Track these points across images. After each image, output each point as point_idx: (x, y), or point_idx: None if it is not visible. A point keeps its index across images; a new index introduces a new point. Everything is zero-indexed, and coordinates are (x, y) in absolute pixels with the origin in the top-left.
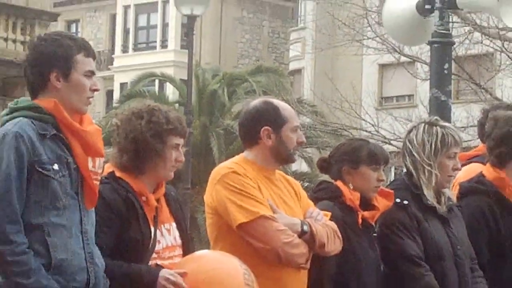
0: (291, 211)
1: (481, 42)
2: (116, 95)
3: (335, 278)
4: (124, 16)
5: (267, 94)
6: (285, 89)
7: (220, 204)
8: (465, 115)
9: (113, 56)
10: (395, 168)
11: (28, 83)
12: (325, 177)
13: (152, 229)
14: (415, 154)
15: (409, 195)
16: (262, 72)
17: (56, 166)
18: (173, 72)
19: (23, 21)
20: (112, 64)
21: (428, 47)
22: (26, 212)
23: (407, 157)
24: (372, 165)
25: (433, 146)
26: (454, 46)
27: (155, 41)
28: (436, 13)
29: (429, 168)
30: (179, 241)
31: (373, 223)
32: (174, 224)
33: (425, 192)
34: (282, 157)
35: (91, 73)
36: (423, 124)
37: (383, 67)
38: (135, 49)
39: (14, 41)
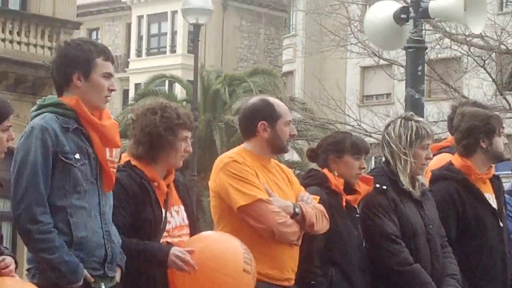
0: (284, 195)
1: (450, 47)
2: (131, 94)
3: (323, 253)
4: (138, 25)
5: (263, 93)
6: (278, 89)
7: (223, 188)
8: (436, 111)
9: (128, 60)
10: (375, 158)
11: (54, 82)
12: (314, 165)
13: (163, 211)
14: (393, 145)
15: (388, 181)
16: (259, 74)
17: (77, 156)
18: (181, 73)
19: (50, 29)
20: (128, 67)
21: (404, 51)
22: (51, 196)
23: (386, 148)
24: (355, 155)
25: (408, 138)
26: (427, 50)
27: (165, 47)
28: (411, 21)
29: (405, 157)
30: (186, 221)
31: (355, 206)
32: (182, 207)
33: (401, 178)
34: (276, 147)
35: (109, 75)
36: (399, 119)
37: (364, 69)
38: (148, 53)
39: (43, 46)
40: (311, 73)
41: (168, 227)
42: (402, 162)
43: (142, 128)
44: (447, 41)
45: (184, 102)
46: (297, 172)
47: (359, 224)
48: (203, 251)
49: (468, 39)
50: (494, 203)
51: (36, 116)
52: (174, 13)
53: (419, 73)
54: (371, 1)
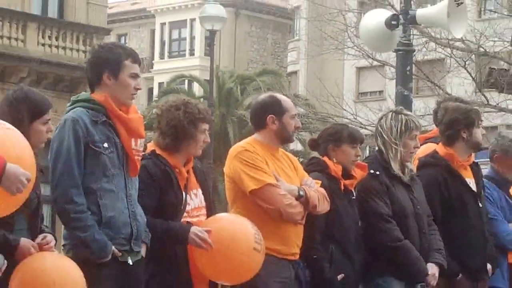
0: (290, 180)
1: (435, 50)
2: (155, 91)
3: (323, 231)
4: (161, 31)
5: (270, 90)
6: (283, 87)
7: (236, 174)
8: (423, 106)
9: (153, 61)
10: (369, 147)
11: (87, 80)
12: (315, 154)
13: (184, 194)
14: (385, 136)
15: (380, 167)
16: (267, 74)
17: (106, 145)
18: (199, 74)
19: (84, 35)
20: (152, 68)
21: (394, 53)
22: (83, 180)
23: (379, 138)
24: (351, 144)
25: (398, 129)
26: (414, 53)
27: (185, 50)
28: (401, 27)
29: (396, 147)
30: (204, 203)
31: (352, 189)
32: (200, 190)
33: (392, 165)
34: (283, 138)
35: (136, 75)
36: (391, 113)
37: (359, 69)
38: (170, 56)
39: (78, 50)
40: (313, 73)
41: (187, 208)
42: (393, 151)
43: (168, 122)
44: (432, 44)
45: (202, 99)
46: (301, 160)
47: (355, 205)
48: (218, 231)
49: (450, 42)
50: (474, 187)
51: (69, 110)
52: (192, 20)
53: (408, 72)
54: (366, 10)
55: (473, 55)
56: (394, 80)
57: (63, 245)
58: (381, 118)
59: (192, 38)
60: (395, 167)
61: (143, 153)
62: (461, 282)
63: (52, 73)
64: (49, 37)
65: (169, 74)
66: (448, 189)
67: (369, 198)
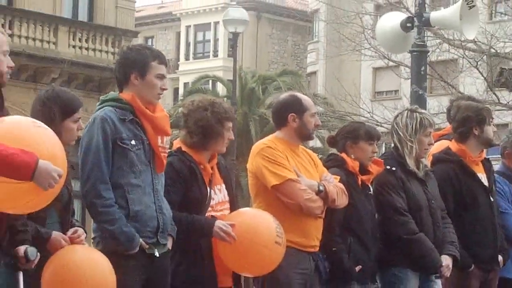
0: (310, 175)
1: (448, 51)
2: (181, 91)
3: (342, 224)
4: (186, 33)
5: (290, 90)
6: (303, 87)
7: (258, 170)
8: (436, 105)
9: (178, 62)
10: (385, 144)
11: (116, 80)
12: (333, 150)
13: (208, 189)
14: (400, 133)
15: (396, 163)
16: (287, 74)
17: (133, 142)
18: (222, 74)
19: (113, 37)
20: (177, 69)
21: (409, 54)
22: (112, 176)
23: (394, 135)
24: (368, 141)
25: (413, 127)
26: (428, 53)
27: (209, 52)
28: (415, 29)
29: (411, 144)
30: (227, 198)
31: (369, 184)
32: (223, 185)
33: (408, 161)
34: (304, 135)
35: (162, 76)
36: (406, 111)
37: (376, 69)
38: (195, 57)
39: (107, 52)
40: (331, 73)
41: (212, 203)
42: (408, 147)
43: (196, 121)
44: (445, 45)
45: (225, 98)
46: (320, 156)
47: (372, 199)
48: (241, 225)
49: (463, 44)
50: (485, 182)
51: (98, 109)
52: (216, 23)
53: (422, 72)
54: (382, 12)
55: (485, 56)
56: (409, 80)
57: (93, 238)
58: (397, 116)
59: (216, 40)
60: (410, 163)
61: (169, 150)
62: (473, 273)
63: (82, 73)
64: (80, 40)
65: (194, 75)
66: (461, 184)
67: (385, 193)
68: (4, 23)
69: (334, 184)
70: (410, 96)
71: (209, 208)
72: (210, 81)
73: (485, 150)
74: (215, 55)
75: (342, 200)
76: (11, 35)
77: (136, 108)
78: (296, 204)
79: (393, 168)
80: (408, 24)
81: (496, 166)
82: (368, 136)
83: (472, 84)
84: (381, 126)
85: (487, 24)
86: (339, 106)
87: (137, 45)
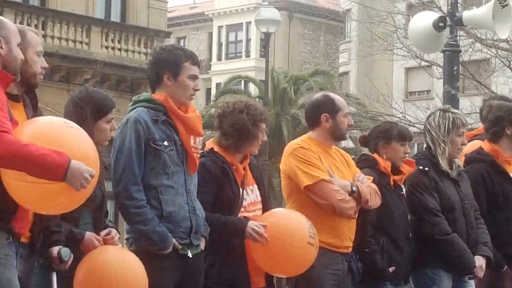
0: (343, 175)
1: (481, 50)
2: (213, 92)
3: (375, 225)
4: (219, 33)
5: (322, 90)
6: (334, 87)
7: (291, 170)
8: (469, 105)
9: (210, 63)
10: (418, 145)
11: (149, 80)
12: (365, 150)
13: (240, 190)
14: (433, 133)
15: (429, 163)
16: (319, 74)
17: (166, 143)
18: (254, 74)
19: (145, 38)
20: (210, 69)
21: (442, 54)
22: (145, 177)
23: (427, 135)
24: (400, 141)
25: (446, 127)
26: (461, 53)
27: (241, 52)
28: (448, 29)
29: (443, 144)
30: (259, 198)
31: (401, 184)
32: (255, 186)
33: (441, 161)
34: (336, 136)
35: (195, 77)
36: (438, 111)
37: (408, 69)
38: (227, 58)
39: (139, 52)
40: (363, 73)
41: (244, 203)
42: (441, 147)
43: (231, 124)
44: (478, 45)
45: (257, 99)
46: (352, 157)
47: (405, 199)
48: (274, 226)
49: (496, 43)
50: None
51: (131, 110)
52: (248, 23)
53: (455, 72)
54: (414, 12)
55: None
56: (442, 80)
57: (126, 239)
58: (429, 116)
59: (248, 41)
60: (443, 163)
61: (201, 150)
62: (506, 273)
63: (115, 74)
64: (112, 40)
65: (226, 75)
66: (493, 184)
67: (418, 193)
68: (37, 23)
69: (367, 184)
70: (442, 96)
71: (242, 209)
72: (242, 82)
73: None
74: (247, 56)
75: (375, 201)
76: (44, 36)
77: (169, 108)
78: (329, 204)
79: (426, 168)
80: (441, 24)
81: None
82: (401, 136)
83: (505, 83)
84: (414, 126)
85: None
86: (371, 106)
87: (170, 46)
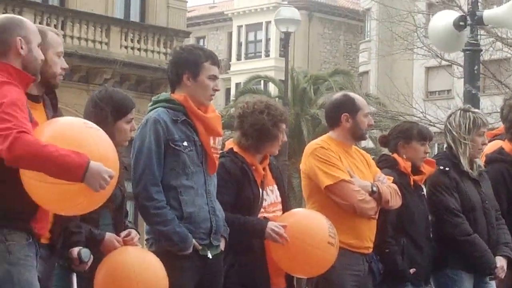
0: (363, 176)
1: (502, 49)
2: (233, 92)
3: (395, 225)
4: (238, 33)
5: (342, 90)
6: (354, 87)
7: (312, 171)
8: (490, 104)
9: (230, 63)
10: (438, 145)
11: (169, 80)
12: (385, 150)
13: (260, 190)
14: (454, 133)
15: (450, 163)
16: (339, 74)
17: (185, 143)
18: (274, 74)
19: (164, 37)
20: (229, 69)
21: (462, 53)
22: (165, 177)
23: (448, 135)
24: (421, 141)
25: (467, 126)
26: (481, 52)
27: (261, 52)
28: (468, 28)
29: (464, 143)
30: (279, 199)
31: (421, 184)
32: (275, 186)
33: (462, 161)
34: (357, 135)
35: (214, 77)
36: (459, 111)
37: (428, 69)
38: (246, 57)
39: (159, 52)
40: (384, 73)
41: (264, 204)
42: (462, 147)
43: (252, 125)
44: (499, 44)
45: (277, 98)
46: (372, 157)
47: (425, 200)
48: (293, 226)
49: None
50: None
51: (151, 110)
52: (268, 23)
53: (475, 71)
54: (434, 11)
55: None
56: (462, 79)
57: (146, 240)
58: (450, 115)
59: (268, 40)
60: (464, 163)
61: (221, 151)
62: None
63: (134, 74)
64: (132, 40)
65: (245, 75)
66: None
67: (439, 193)
68: (56, 23)
69: (387, 184)
70: (463, 96)
71: (261, 210)
72: (262, 82)
73: None
74: (267, 55)
75: (395, 201)
76: (63, 36)
77: (188, 109)
78: (350, 205)
79: (447, 169)
80: (461, 23)
81: None
82: (421, 136)
83: None
84: (434, 126)
85: None
86: (391, 106)
87: (190, 46)
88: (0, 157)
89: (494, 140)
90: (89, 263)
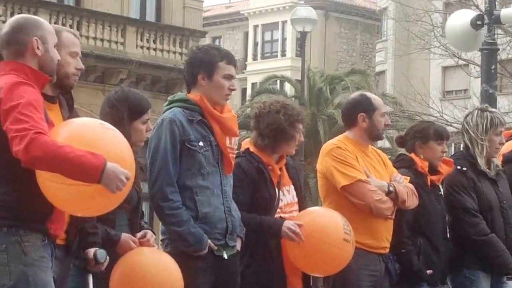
0: (380, 176)
1: None
2: (249, 91)
3: (412, 225)
4: (254, 33)
5: (359, 90)
6: (371, 86)
7: (328, 170)
8: (507, 103)
9: (246, 63)
10: (455, 144)
11: (185, 80)
12: (402, 150)
13: (277, 190)
14: (471, 133)
15: (467, 163)
16: (355, 74)
17: (201, 143)
18: (290, 74)
19: (180, 37)
20: (245, 69)
21: (479, 52)
22: (180, 177)
23: (465, 135)
24: (438, 141)
25: (484, 126)
26: (499, 52)
27: (277, 51)
28: (485, 27)
29: (482, 143)
30: (296, 199)
31: (438, 184)
32: (292, 186)
33: (479, 160)
34: (373, 135)
35: (230, 76)
36: (476, 110)
37: (445, 68)
38: (262, 57)
39: (174, 52)
40: (400, 72)
41: (280, 204)
42: (479, 147)
43: (268, 124)
44: None
45: (293, 98)
46: (388, 157)
47: (442, 200)
48: (309, 224)
49: None
50: None
51: (166, 110)
52: (284, 22)
53: (492, 71)
54: (451, 10)
55: None
56: (479, 79)
57: (162, 240)
58: (467, 115)
59: (284, 40)
60: (481, 162)
61: (237, 151)
62: None
63: (150, 74)
64: (147, 40)
65: (261, 75)
66: None
67: (456, 193)
68: (71, 23)
69: (404, 184)
70: (480, 95)
71: (278, 210)
72: (278, 81)
73: None
74: (283, 55)
75: (412, 201)
76: None
77: (204, 108)
78: (366, 205)
79: (464, 168)
80: (478, 22)
81: None
82: (438, 135)
83: None
84: (451, 125)
85: None
86: (408, 106)
87: (206, 45)
88: (17, 158)
89: (511, 139)
90: (105, 264)
